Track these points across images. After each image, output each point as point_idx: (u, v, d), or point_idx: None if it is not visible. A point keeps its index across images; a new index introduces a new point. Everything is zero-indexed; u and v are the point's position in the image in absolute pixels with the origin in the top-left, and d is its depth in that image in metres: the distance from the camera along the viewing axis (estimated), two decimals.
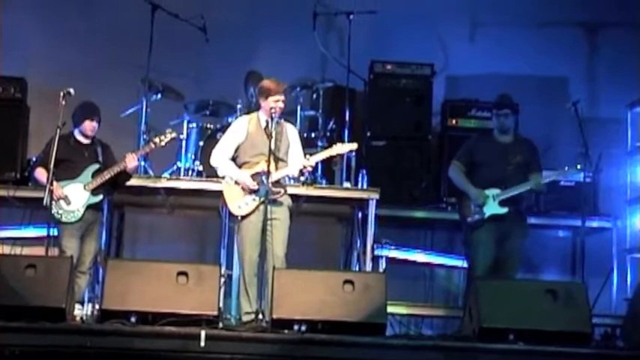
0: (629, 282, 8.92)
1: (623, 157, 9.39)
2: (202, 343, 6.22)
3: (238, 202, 7.34)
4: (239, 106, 8.77)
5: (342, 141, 8.00)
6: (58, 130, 7.41)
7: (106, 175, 7.74)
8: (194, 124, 8.80)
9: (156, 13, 8.92)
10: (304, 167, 7.35)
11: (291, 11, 9.64)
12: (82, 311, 7.75)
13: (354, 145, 7.62)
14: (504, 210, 7.78)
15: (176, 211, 9.39)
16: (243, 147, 7.45)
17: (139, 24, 9.03)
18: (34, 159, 8.27)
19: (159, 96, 8.96)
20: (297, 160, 7.42)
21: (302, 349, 6.32)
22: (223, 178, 7.50)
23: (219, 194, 7.54)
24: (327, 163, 8.64)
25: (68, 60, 9.52)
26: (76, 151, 7.81)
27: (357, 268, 8.60)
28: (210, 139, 8.55)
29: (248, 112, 8.01)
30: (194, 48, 9.38)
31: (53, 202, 7.45)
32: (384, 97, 9.35)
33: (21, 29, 9.62)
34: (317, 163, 8.07)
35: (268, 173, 7.18)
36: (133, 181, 8.12)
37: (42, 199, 7.29)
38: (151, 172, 8.63)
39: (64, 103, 7.43)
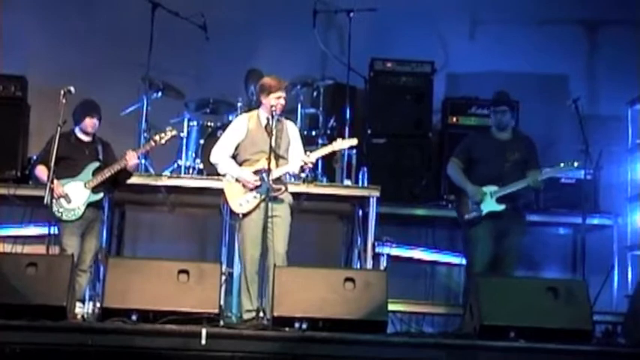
0: (629, 279, 8.92)
1: (624, 154, 9.39)
2: (203, 341, 6.23)
3: (239, 200, 7.34)
4: (239, 104, 8.77)
5: (343, 138, 7.99)
6: (59, 129, 7.41)
7: (107, 173, 7.74)
8: (194, 122, 8.80)
9: (156, 12, 8.91)
10: (305, 164, 7.35)
11: (291, 9, 9.63)
12: (82, 309, 7.75)
13: (354, 141, 7.62)
14: (501, 207, 7.78)
15: (177, 209, 9.38)
16: (243, 145, 7.45)
17: (139, 22, 9.02)
18: (34, 157, 8.26)
19: (159, 94, 8.95)
20: (297, 157, 7.42)
21: (303, 347, 6.32)
22: (224, 175, 7.50)
23: (220, 192, 7.54)
24: (328, 160, 8.64)
25: (68, 58, 9.52)
26: (77, 149, 7.82)
27: (358, 266, 8.60)
28: (210, 137, 8.55)
29: (248, 110, 8.01)
30: (194, 46, 9.38)
31: (54, 201, 7.45)
32: (385, 94, 9.35)
33: (21, 28, 9.62)
34: (317, 161, 8.09)
35: (269, 171, 7.18)
36: (134, 179, 8.13)
37: (42, 197, 7.29)
38: (151, 170, 8.63)
39: (64, 101, 7.43)
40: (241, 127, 7.50)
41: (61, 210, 7.61)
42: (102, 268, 7.95)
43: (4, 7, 9.56)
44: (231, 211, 7.44)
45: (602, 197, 9.15)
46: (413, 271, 9.22)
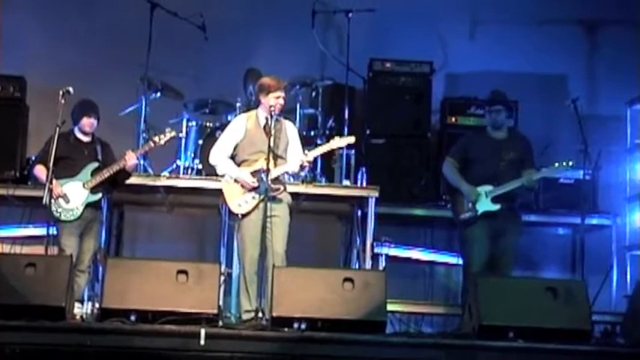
0: (628, 279, 8.92)
1: (623, 154, 9.39)
2: (202, 342, 6.23)
3: (238, 200, 7.34)
4: (238, 104, 8.77)
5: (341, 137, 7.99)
6: (58, 129, 7.41)
7: (106, 174, 7.73)
8: (193, 123, 8.80)
9: (155, 12, 8.91)
10: (302, 162, 7.35)
11: (290, 9, 9.63)
12: (81, 310, 7.74)
13: (352, 139, 7.62)
14: (497, 207, 7.77)
15: (176, 210, 9.38)
16: (241, 145, 7.45)
17: (138, 23, 9.02)
18: (33, 158, 8.26)
19: (158, 94, 8.95)
20: (296, 157, 7.42)
21: (302, 347, 6.32)
22: (222, 176, 7.50)
23: (218, 192, 7.54)
24: (327, 160, 8.64)
25: (67, 59, 9.52)
26: (76, 148, 7.82)
27: (357, 266, 8.60)
28: (209, 138, 8.54)
29: (247, 110, 8.01)
30: (193, 46, 9.38)
31: (52, 201, 7.45)
32: (384, 95, 9.35)
33: (20, 28, 9.61)
34: (316, 161, 8.09)
35: (268, 171, 7.18)
36: (133, 180, 8.12)
37: (41, 198, 7.28)
38: (150, 171, 8.63)
39: (63, 101, 7.43)
40: (240, 127, 7.50)
41: (59, 210, 7.60)
42: (101, 269, 7.95)
43: (3, 7, 9.56)
44: (230, 212, 7.44)
45: (601, 197, 9.16)
46: (412, 272, 9.22)
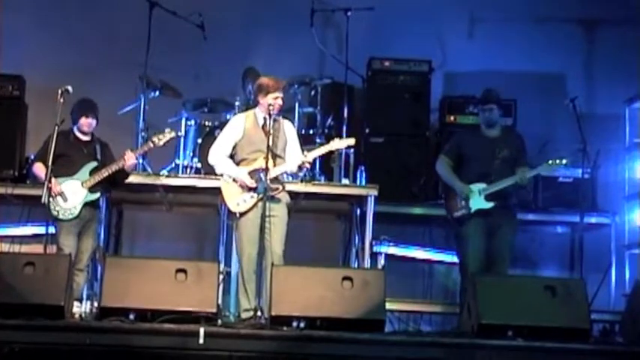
0: (627, 278, 8.92)
1: (621, 152, 9.39)
2: (201, 340, 6.22)
3: (237, 200, 7.34)
4: (237, 103, 8.77)
5: (341, 138, 8.00)
6: (56, 128, 7.41)
7: (104, 173, 7.73)
8: (192, 122, 8.80)
9: (154, 11, 8.90)
10: (302, 163, 7.35)
11: (288, 8, 9.63)
12: (80, 309, 7.74)
13: (352, 140, 7.62)
14: (490, 205, 7.76)
15: (174, 209, 9.37)
16: (240, 144, 7.45)
17: (136, 22, 9.01)
18: (32, 157, 8.26)
19: (157, 93, 8.94)
20: (295, 156, 7.42)
21: (301, 346, 6.32)
22: (221, 175, 7.50)
23: (217, 191, 7.54)
24: (326, 159, 8.64)
25: (66, 58, 9.52)
26: (75, 147, 7.81)
27: (356, 265, 8.60)
28: (208, 137, 8.55)
29: (246, 109, 8.01)
30: (192, 45, 9.36)
31: (50, 199, 7.45)
32: (383, 93, 9.35)
33: (19, 27, 9.62)
34: (315, 160, 8.09)
35: (266, 170, 7.18)
36: (132, 179, 8.12)
37: (40, 196, 7.28)
38: (149, 170, 8.62)
39: (62, 100, 7.43)
40: (238, 126, 7.50)
41: (57, 209, 7.60)
42: (99, 268, 7.96)
43: (2, 6, 9.56)
44: (229, 211, 7.45)
45: (599, 196, 9.16)
46: (411, 270, 9.22)
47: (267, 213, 7.16)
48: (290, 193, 7.61)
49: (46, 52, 9.61)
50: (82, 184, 7.70)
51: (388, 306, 7.01)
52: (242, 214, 7.31)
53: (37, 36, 9.64)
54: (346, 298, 6.67)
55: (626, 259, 9.05)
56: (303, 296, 6.65)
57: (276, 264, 7.04)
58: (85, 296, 8.10)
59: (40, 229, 7.94)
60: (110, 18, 9.70)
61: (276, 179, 7.35)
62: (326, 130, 8.89)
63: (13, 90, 9.03)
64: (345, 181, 8.77)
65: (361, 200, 8.60)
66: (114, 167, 7.75)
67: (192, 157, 8.70)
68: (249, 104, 8.35)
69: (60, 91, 7.43)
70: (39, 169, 7.73)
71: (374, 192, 8.46)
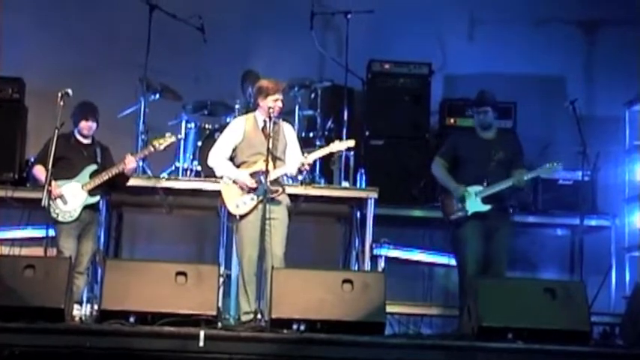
0: (627, 280, 8.92)
1: (621, 155, 9.40)
2: (201, 343, 6.22)
3: (237, 202, 7.33)
4: (237, 106, 8.78)
5: (341, 140, 8.00)
6: (56, 131, 7.41)
7: (104, 176, 7.73)
8: (192, 124, 8.81)
9: (154, 13, 8.91)
10: (302, 165, 7.35)
11: (288, 11, 9.64)
12: (80, 311, 7.74)
13: (352, 142, 7.62)
14: (487, 207, 7.74)
15: (174, 211, 9.38)
16: (240, 147, 7.45)
17: (136, 23, 9.02)
18: (32, 159, 8.26)
19: (157, 96, 8.95)
20: (294, 159, 7.42)
21: (301, 349, 6.31)
22: (221, 177, 7.50)
23: (217, 194, 7.54)
24: (326, 162, 8.65)
25: (66, 60, 9.53)
26: (76, 150, 7.82)
27: (356, 268, 8.60)
28: (208, 139, 8.55)
29: (246, 112, 8.01)
30: (192, 48, 9.38)
31: (50, 202, 7.45)
32: (383, 96, 9.36)
33: (19, 29, 9.63)
34: (315, 162, 8.09)
35: (267, 172, 7.18)
36: (132, 181, 8.12)
37: (40, 199, 7.28)
38: (149, 172, 8.63)
39: (61, 103, 7.43)
40: (238, 129, 7.50)
41: (57, 211, 7.60)
42: (100, 270, 7.96)
43: (2, 7, 9.57)
44: (229, 213, 7.43)
45: (599, 198, 9.15)
46: (411, 273, 9.22)
47: (267, 215, 7.16)
48: (290, 195, 7.61)
49: (46, 53, 9.62)
50: (82, 186, 7.70)
51: (388, 309, 7.00)
52: (242, 217, 7.31)
53: (36, 37, 9.65)
54: (346, 301, 6.67)
55: (626, 261, 9.05)
56: (304, 299, 6.64)
57: (277, 266, 7.04)
58: (85, 299, 8.10)
59: (40, 232, 7.95)
60: (110, 19, 9.71)
61: (276, 181, 7.35)
62: (326, 133, 8.90)
63: (13, 93, 9.03)
64: (345, 183, 8.77)
65: (361, 203, 8.60)
66: (114, 171, 7.75)
67: (192, 160, 8.71)
68: (249, 107, 8.35)
69: (60, 94, 7.43)
70: (39, 171, 7.73)
71: (374, 194, 8.46)
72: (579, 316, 6.80)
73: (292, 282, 6.76)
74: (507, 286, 7.12)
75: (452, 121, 9.35)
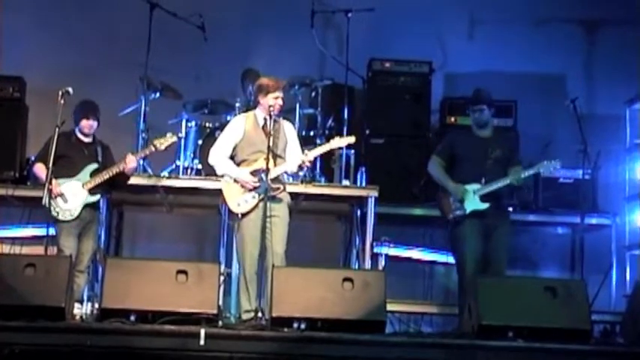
0: (628, 279, 8.92)
1: (622, 153, 9.39)
2: (202, 342, 6.22)
3: (238, 200, 7.34)
4: (237, 104, 8.77)
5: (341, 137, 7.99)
6: (57, 130, 7.41)
7: (105, 175, 7.73)
8: (193, 123, 8.81)
9: (154, 12, 8.90)
10: (303, 162, 7.35)
11: (289, 9, 9.64)
12: (81, 310, 7.75)
13: (352, 139, 7.62)
14: (485, 205, 7.72)
15: (175, 210, 9.39)
16: (240, 145, 7.45)
17: (137, 23, 9.02)
18: (32, 158, 8.26)
19: (157, 95, 8.95)
20: (295, 157, 7.42)
21: (301, 347, 6.32)
22: (222, 176, 7.50)
23: (218, 192, 7.54)
24: (326, 160, 8.65)
25: (67, 59, 9.53)
26: (77, 148, 7.82)
27: (357, 266, 8.60)
28: (208, 138, 8.55)
29: (246, 110, 8.01)
30: (192, 47, 9.38)
31: (51, 200, 7.45)
32: (383, 94, 9.36)
33: (19, 28, 9.64)
34: (316, 161, 8.10)
35: (267, 170, 7.18)
36: (132, 180, 8.12)
37: (41, 198, 7.29)
38: (149, 171, 8.62)
39: (62, 102, 7.43)
40: (238, 127, 7.50)
41: (57, 210, 7.60)
42: (100, 269, 7.96)
43: (3, 7, 9.58)
44: (230, 211, 7.44)
45: (600, 197, 9.15)
46: (411, 271, 9.22)
47: (268, 213, 7.16)
48: (290, 193, 7.61)
49: (47, 53, 9.62)
50: (83, 185, 7.70)
51: (389, 307, 6.99)
52: (244, 215, 7.31)
53: (37, 36, 9.65)
54: (347, 299, 6.67)
55: (627, 260, 9.05)
56: (304, 297, 6.64)
57: (278, 264, 7.04)
58: (85, 298, 8.10)
59: (41, 231, 7.95)
60: (110, 18, 9.71)
61: (277, 179, 7.35)
62: (326, 132, 8.89)
63: (14, 91, 9.03)
64: (345, 182, 8.77)
65: (362, 201, 8.60)
66: (115, 170, 7.75)
67: (192, 159, 8.71)
68: (250, 105, 8.34)
69: (60, 93, 7.43)
70: (39, 169, 7.73)
71: (374, 193, 8.46)
72: (580, 314, 6.80)
73: (293, 280, 6.76)
74: (508, 285, 7.12)
75: (452, 119, 9.35)
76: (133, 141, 8.69)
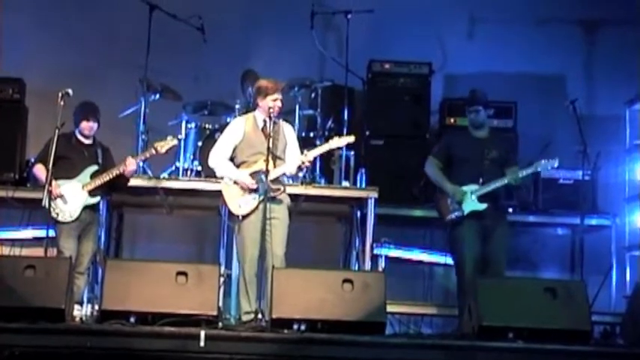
0: (628, 280, 8.92)
1: (622, 154, 9.39)
2: (202, 343, 6.22)
3: (238, 202, 7.34)
4: (237, 106, 8.78)
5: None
6: (57, 131, 7.41)
7: (105, 177, 7.73)
8: (192, 124, 8.81)
9: (154, 14, 8.91)
10: (303, 163, 7.35)
11: (288, 11, 9.64)
12: (81, 312, 7.74)
13: (351, 138, 7.61)
14: (483, 206, 7.72)
15: (175, 211, 9.39)
16: (240, 147, 7.46)
17: (136, 24, 9.02)
18: (32, 159, 8.26)
19: (157, 96, 8.95)
20: (294, 158, 7.42)
21: (301, 349, 6.32)
22: (222, 178, 7.50)
23: (217, 194, 7.54)
24: (326, 161, 8.65)
25: (66, 60, 9.53)
26: (77, 150, 7.82)
27: (357, 267, 8.60)
28: (208, 139, 8.55)
29: (246, 112, 8.02)
30: (192, 48, 9.37)
31: (51, 202, 7.44)
32: (383, 96, 9.35)
33: (19, 29, 9.64)
34: (315, 162, 8.10)
35: (267, 172, 7.18)
36: (132, 182, 8.11)
37: (40, 199, 7.29)
38: (149, 173, 8.62)
39: (62, 103, 7.42)
40: (238, 129, 7.50)
41: (57, 211, 7.60)
42: (100, 271, 7.96)
43: (2, 8, 9.58)
44: (230, 213, 7.44)
45: (600, 198, 9.15)
46: (411, 272, 9.21)
47: (268, 215, 7.16)
48: (290, 195, 7.61)
49: (47, 54, 9.62)
50: (83, 187, 7.70)
51: (389, 308, 7.00)
52: (244, 217, 7.31)
53: (37, 37, 9.66)
54: (347, 301, 6.67)
55: (627, 260, 9.05)
56: (304, 299, 6.64)
57: (278, 266, 7.04)
58: (85, 299, 8.10)
59: (41, 232, 7.94)
60: (110, 19, 9.71)
61: (276, 180, 7.35)
62: (326, 133, 8.89)
63: (14, 93, 9.03)
64: (345, 183, 8.77)
65: (361, 202, 8.60)
66: (114, 172, 7.75)
67: (192, 160, 8.71)
68: (249, 107, 8.35)
69: (60, 94, 7.43)
70: (39, 170, 7.73)
71: (374, 194, 8.46)
72: (580, 315, 6.80)
73: (293, 282, 6.76)
74: (508, 286, 7.12)
75: (452, 120, 9.34)
76: (133, 142, 8.69)
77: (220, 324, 6.73)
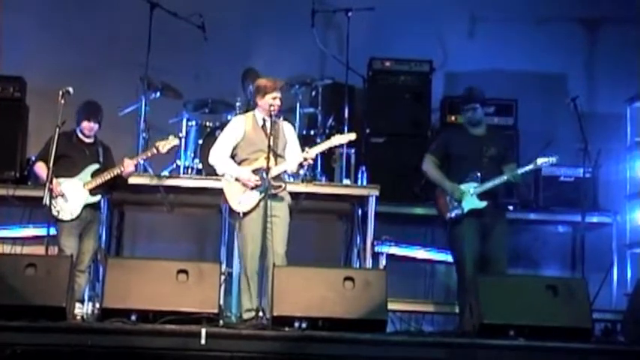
0: (629, 277, 8.92)
1: (623, 152, 9.39)
2: (203, 341, 6.23)
3: (239, 199, 7.34)
4: (238, 103, 8.77)
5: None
6: (57, 130, 7.41)
7: (106, 176, 7.74)
8: (193, 122, 8.80)
9: (154, 12, 8.89)
10: (304, 160, 7.36)
11: (289, 9, 9.63)
12: (82, 310, 7.76)
13: (353, 135, 7.62)
14: (483, 204, 7.71)
15: (176, 209, 9.38)
16: (240, 145, 7.46)
17: (137, 23, 9.01)
18: (33, 158, 8.27)
19: (158, 94, 8.94)
20: (294, 157, 7.42)
21: (302, 347, 6.32)
22: (222, 175, 7.50)
23: (218, 192, 7.54)
24: (327, 159, 8.65)
25: (67, 59, 9.53)
26: (78, 149, 7.82)
27: (358, 265, 8.60)
28: (209, 137, 8.55)
29: (247, 110, 8.02)
30: (193, 46, 9.37)
31: (52, 200, 7.44)
32: (383, 94, 9.35)
33: (20, 28, 9.63)
34: (316, 159, 8.10)
35: (268, 169, 7.18)
36: (133, 180, 8.13)
37: (41, 198, 7.29)
38: (150, 171, 8.62)
39: (62, 102, 7.43)
40: (238, 128, 7.50)
41: (58, 209, 7.60)
42: (101, 269, 7.96)
43: (3, 7, 9.58)
44: (231, 210, 7.44)
45: (601, 195, 9.15)
46: (412, 270, 9.21)
47: (269, 213, 7.16)
48: (291, 193, 7.61)
49: (47, 53, 9.61)
50: (84, 185, 7.71)
51: (390, 306, 7.00)
52: (245, 214, 7.31)
53: (37, 36, 9.65)
54: (348, 299, 6.67)
55: (628, 258, 9.04)
56: (305, 297, 6.65)
57: (279, 264, 7.04)
58: (86, 297, 8.11)
59: (42, 231, 7.93)
60: (111, 19, 9.70)
61: (277, 178, 7.36)
62: (327, 131, 8.88)
63: (14, 91, 9.03)
64: (346, 181, 8.77)
65: (362, 200, 8.60)
66: (113, 172, 7.76)
67: (193, 158, 8.70)
68: (250, 105, 8.35)
69: (61, 93, 7.43)
70: (40, 168, 7.74)
71: (375, 192, 8.46)
72: (581, 313, 6.80)
73: (294, 280, 6.76)
74: (508, 283, 7.12)
75: (453, 118, 9.33)
76: (134, 141, 8.68)
77: (221, 322, 6.73)
